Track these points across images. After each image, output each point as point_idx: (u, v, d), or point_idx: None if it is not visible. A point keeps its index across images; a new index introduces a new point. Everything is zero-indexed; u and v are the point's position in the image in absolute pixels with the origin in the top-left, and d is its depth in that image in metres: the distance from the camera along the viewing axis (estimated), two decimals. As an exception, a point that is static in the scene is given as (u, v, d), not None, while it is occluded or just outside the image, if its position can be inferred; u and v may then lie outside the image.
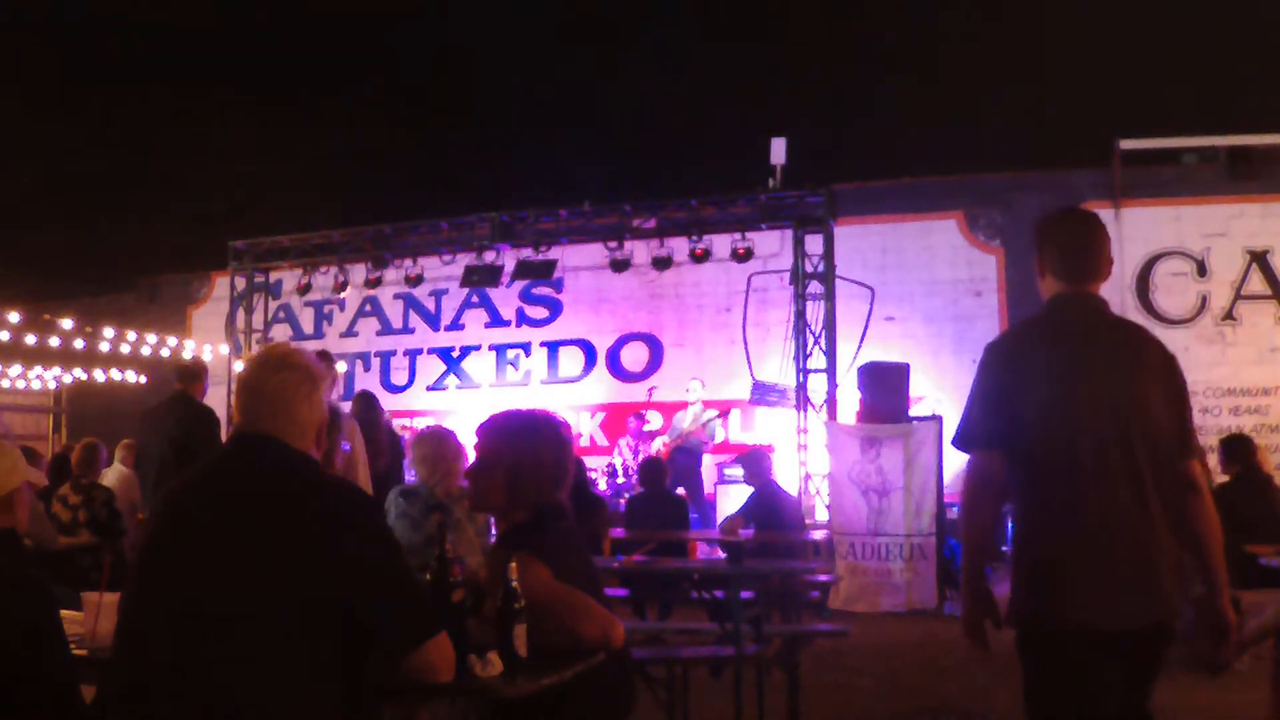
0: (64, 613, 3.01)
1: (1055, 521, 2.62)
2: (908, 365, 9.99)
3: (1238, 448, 6.76)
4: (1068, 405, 2.62)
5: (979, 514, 2.68)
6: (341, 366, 13.71)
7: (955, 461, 10.97)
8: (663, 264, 11.28)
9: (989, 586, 2.73)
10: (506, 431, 2.74)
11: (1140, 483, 2.60)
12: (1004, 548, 7.29)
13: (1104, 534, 2.57)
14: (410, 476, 5.34)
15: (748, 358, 12.19)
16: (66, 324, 12.94)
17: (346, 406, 6.94)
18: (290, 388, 2.18)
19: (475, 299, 14.26)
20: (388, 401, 12.46)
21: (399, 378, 14.66)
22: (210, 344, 14.00)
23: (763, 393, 11.18)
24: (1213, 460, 7.70)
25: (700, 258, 11.27)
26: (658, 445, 11.18)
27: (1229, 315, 12.02)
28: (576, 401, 13.50)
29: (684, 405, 11.57)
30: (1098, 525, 2.57)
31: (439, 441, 4.41)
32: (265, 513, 2.03)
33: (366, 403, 7.08)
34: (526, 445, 2.69)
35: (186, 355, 14.20)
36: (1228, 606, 2.75)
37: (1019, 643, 2.72)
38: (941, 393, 12.16)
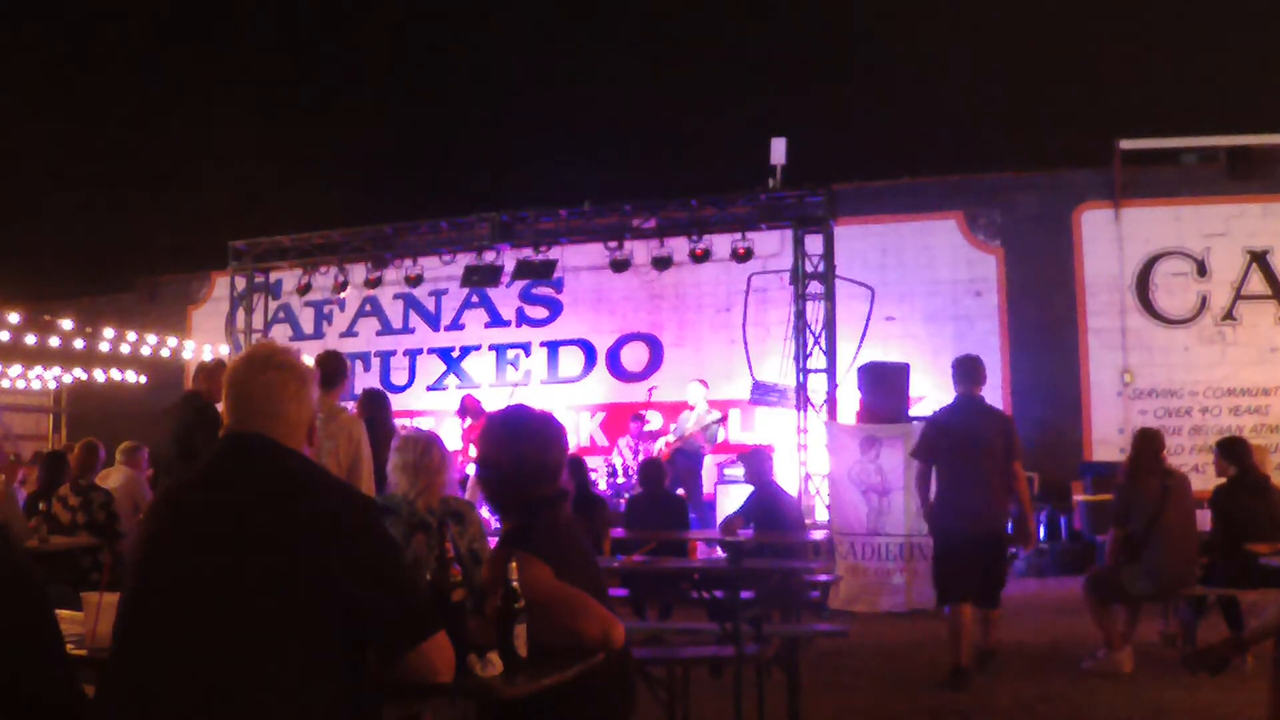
0: (64, 613, 3.01)
1: (947, 489, 6.18)
2: (908, 365, 9.99)
3: (1234, 450, 6.77)
4: (957, 442, 6.13)
5: (920, 484, 6.38)
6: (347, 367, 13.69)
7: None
8: (663, 264, 11.28)
9: (931, 505, 6.28)
10: (489, 432, 2.77)
11: (988, 473, 6.07)
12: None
13: (966, 494, 6.06)
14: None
15: (748, 358, 12.19)
16: (66, 324, 12.94)
17: (347, 406, 6.92)
18: (277, 386, 2.17)
19: (475, 299, 14.26)
20: (387, 401, 12.45)
21: (399, 378, 14.66)
22: (210, 344, 14.00)
23: (763, 393, 11.17)
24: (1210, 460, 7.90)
25: (700, 258, 11.27)
26: (660, 445, 11.18)
27: (1229, 315, 12.02)
28: (576, 401, 13.51)
29: (686, 405, 11.56)
30: (965, 491, 6.07)
31: (423, 449, 3.96)
32: (261, 513, 2.02)
33: (374, 401, 7.05)
34: (507, 445, 2.71)
35: (187, 355, 14.23)
36: (1033, 526, 6.70)
37: (933, 536, 6.39)
38: (941, 393, 12.12)
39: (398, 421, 13.36)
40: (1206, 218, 12.12)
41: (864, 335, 11.45)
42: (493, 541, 3.03)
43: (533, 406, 2.89)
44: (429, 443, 4.03)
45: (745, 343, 12.34)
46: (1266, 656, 4.20)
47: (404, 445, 4.03)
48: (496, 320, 14.34)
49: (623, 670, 2.67)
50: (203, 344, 14.19)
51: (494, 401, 12.22)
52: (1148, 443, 6.62)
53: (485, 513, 5.02)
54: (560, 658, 2.38)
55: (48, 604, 2.12)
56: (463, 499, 4.36)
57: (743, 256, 11.05)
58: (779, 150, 11.61)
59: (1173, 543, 6.29)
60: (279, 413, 2.16)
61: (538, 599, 2.42)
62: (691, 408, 11.41)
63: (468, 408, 11.64)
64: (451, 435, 13.79)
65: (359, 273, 12.60)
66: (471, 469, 11.48)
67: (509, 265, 11.79)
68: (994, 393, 11.81)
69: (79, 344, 13.51)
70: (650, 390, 12.45)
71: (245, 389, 2.18)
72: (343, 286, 12.47)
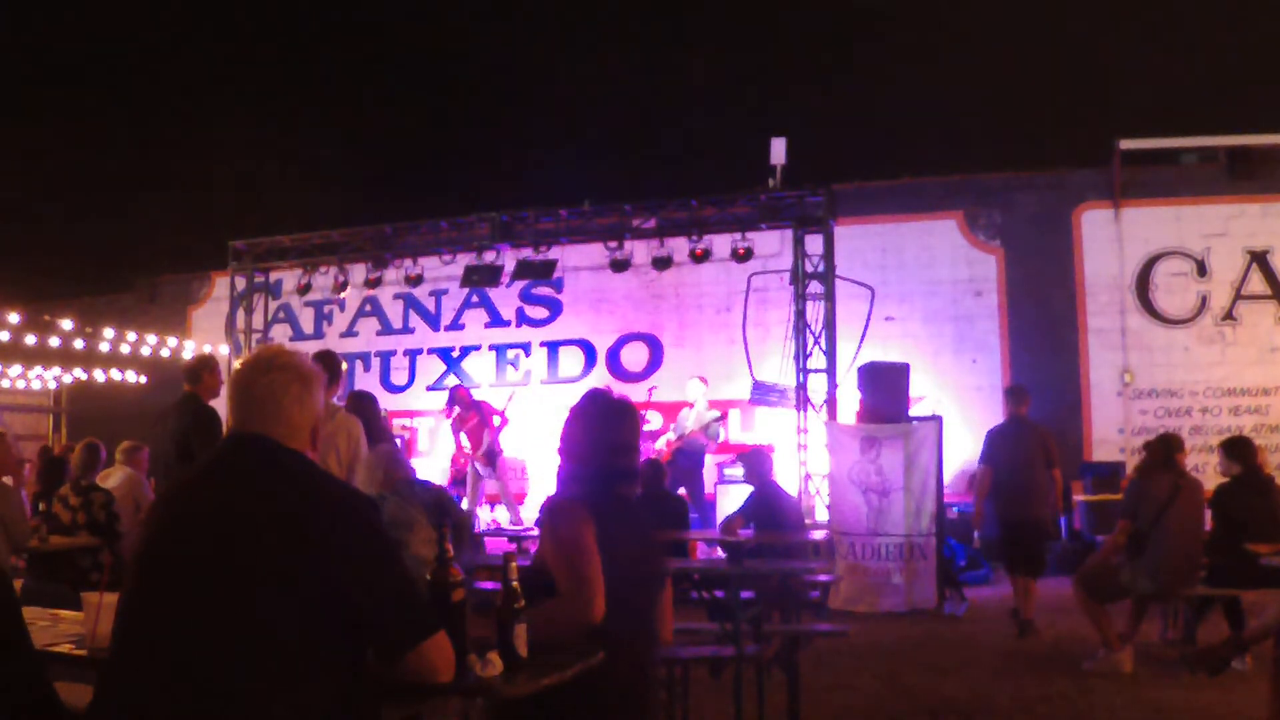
0: (64, 613, 3.02)
1: (1002, 487, 7.78)
2: (908, 365, 9.98)
3: (1238, 449, 6.77)
4: (1008, 452, 7.82)
5: (981, 484, 8.01)
6: (342, 366, 13.69)
7: (954, 462, 10.97)
8: (663, 264, 11.27)
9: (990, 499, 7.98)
10: (571, 414, 3.01)
11: (1029, 477, 7.73)
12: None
13: (1017, 490, 7.71)
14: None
15: (748, 358, 12.19)
16: (66, 324, 12.94)
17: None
18: (279, 388, 2.18)
19: (475, 299, 14.26)
20: (388, 401, 12.46)
21: (399, 378, 14.66)
22: (210, 344, 14.00)
23: (763, 393, 11.17)
24: (1214, 459, 8.09)
25: (700, 258, 11.27)
26: (661, 444, 11.18)
27: (1229, 315, 12.01)
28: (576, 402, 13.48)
29: (686, 405, 11.56)
30: (1017, 489, 7.71)
31: (387, 468, 4.42)
32: (260, 513, 2.02)
33: (361, 402, 7.06)
34: (579, 420, 2.94)
35: (187, 355, 14.21)
36: (1059, 512, 9.41)
37: (998, 526, 7.90)
38: (941, 393, 12.16)
39: (398, 422, 13.43)
40: (1206, 218, 12.12)
41: (864, 335, 11.45)
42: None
43: (604, 390, 3.10)
44: (389, 457, 4.49)
45: (745, 343, 12.34)
46: (1266, 656, 4.20)
47: (370, 468, 4.49)
48: (496, 320, 14.34)
49: (626, 673, 2.68)
50: (203, 344, 14.19)
51: (493, 399, 12.25)
52: (1164, 443, 6.62)
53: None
54: (560, 657, 2.38)
55: (14, 603, 2.12)
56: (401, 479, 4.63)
57: (743, 256, 11.05)
58: (779, 150, 11.60)
59: (1176, 542, 6.29)
60: (281, 414, 2.17)
61: (562, 538, 2.65)
62: (691, 405, 11.41)
63: (459, 398, 11.66)
64: (449, 436, 13.83)
65: (359, 273, 12.59)
66: (476, 466, 11.48)
67: (509, 265, 11.78)
68: (994, 393, 11.82)
69: (79, 344, 13.51)
70: (650, 390, 12.44)
71: (248, 390, 2.19)
72: (343, 286, 12.47)
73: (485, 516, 11.83)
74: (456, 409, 11.60)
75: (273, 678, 1.91)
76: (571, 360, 14.00)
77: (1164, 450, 6.57)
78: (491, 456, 11.31)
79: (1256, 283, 12.00)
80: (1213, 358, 11.98)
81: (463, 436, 11.55)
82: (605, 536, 2.69)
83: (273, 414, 2.16)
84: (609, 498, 2.82)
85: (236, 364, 12.54)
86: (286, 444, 2.15)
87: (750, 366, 12.05)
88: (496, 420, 11.59)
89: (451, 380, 14.35)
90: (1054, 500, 7.98)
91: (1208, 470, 10.29)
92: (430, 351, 14.61)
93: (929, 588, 8.61)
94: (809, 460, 10.50)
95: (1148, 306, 12.22)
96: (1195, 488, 6.51)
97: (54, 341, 13.24)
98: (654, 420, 11.94)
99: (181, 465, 5.94)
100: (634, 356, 13.75)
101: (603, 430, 2.89)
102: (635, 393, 12.94)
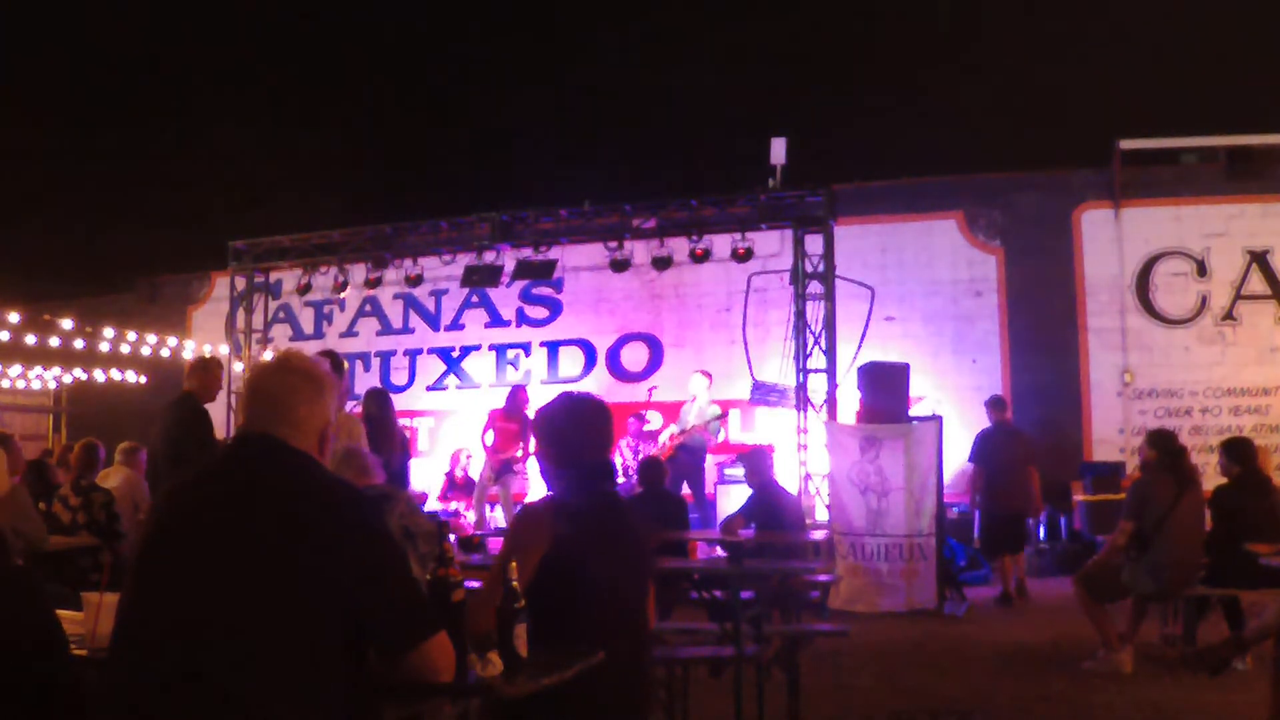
0: (64, 613, 3.01)
1: (991, 482, 9.42)
2: (908, 365, 9.98)
3: (1239, 450, 6.77)
4: (995, 453, 9.45)
5: (973, 480, 9.71)
6: (344, 366, 13.67)
7: (954, 462, 10.97)
8: (663, 264, 11.27)
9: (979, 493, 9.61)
10: (538, 415, 3.08)
11: (1012, 474, 9.32)
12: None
13: (1004, 486, 9.31)
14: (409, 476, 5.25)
15: (748, 358, 12.18)
16: (66, 324, 12.93)
17: (350, 406, 6.95)
18: (289, 389, 2.19)
19: (475, 299, 14.26)
20: (388, 401, 12.43)
21: (399, 378, 14.66)
22: (210, 344, 14.00)
23: (763, 393, 11.16)
24: (1214, 459, 8.07)
25: (700, 258, 11.26)
26: (665, 438, 11.16)
27: (1229, 315, 12.01)
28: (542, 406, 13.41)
29: (690, 402, 11.52)
30: (1004, 485, 9.32)
31: (359, 470, 4.45)
32: (263, 512, 2.03)
33: (378, 400, 7.15)
34: (548, 421, 3.00)
35: (187, 355, 14.21)
36: (1040, 506, 9.96)
37: (984, 517, 9.67)
38: (941, 393, 12.16)
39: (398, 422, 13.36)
40: (1206, 218, 12.11)
41: (864, 335, 11.43)
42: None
43: (582, 393, 3.13)
44: (361, 456, 4.59)
45: (745, 343, 12.33)
46: (1267, 656, 4.20)
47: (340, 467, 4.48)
48: (496, 320, 14.34)
49: (620, 671, 2.69)
50: (203, 344, 14.18)
51: (497, 403, 12.22)
52: (1168, 446, 6.58)
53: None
54: (560, 658, 2.39)
55: (47, 602, 2.12)
56: (386, 485, 4.65)
57: (743, 256, 11.04)
58: (779, 150, 11.58)
59: (1179, 542, 6.29)
60: (288, 415, 2.18)
61: (504, 543, 2.78)
62: (693, 399, 11.36)
63: (515, 397, 11.43)
64: (449, 436, 13.83)
65: (359, 273, 12.59)
66: (489, 469, 11.36)
67: (509, 265, 11.78)
68: (994, 393, 11.81)
69: (79, 344, 13.50)
70: (650, 390, 12.44)
71: (258, 390, 2.21)
72: (343, 286, 12.46)
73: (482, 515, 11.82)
74: (507, 404, 11.39)
75: (273, 677, 1.91)
76: (571, 360, 14.00)
77: (1168, 452, 6.56)
78: (506, 469, 11.22)
79: (1256, 283, 12.00)
80: (1213, 358, 11.98)
81: (490, 433, 11.35)
82: (586, 536, 2.72)
83: (281, 414, 2.17)
84: (589, 496, 2.85)
85: (237, 364, 12.43)
86: (293, 444, 2.16)
87: (750, 366, 12.04)
88: (520, 451, 11.34)
89: (452, 380, 14.38)
90: (1034, 494, 9.48)
91: (1208, 470, 10.28)
92: (430, 351, 14.61)
93: (929, 588, 8.60)
94: (809, 460, 10.49)
95: (1148, 306, 12.21)
96: (1197, 488, 6.52)
97: (54, 341, 13.23)
98: (654, 420, 11.93)
99: (171, 465, 5.93)
100: (634, 356, 13.75)
101: (574, 431, 2.93)
102: (635, 393, 12.95)
